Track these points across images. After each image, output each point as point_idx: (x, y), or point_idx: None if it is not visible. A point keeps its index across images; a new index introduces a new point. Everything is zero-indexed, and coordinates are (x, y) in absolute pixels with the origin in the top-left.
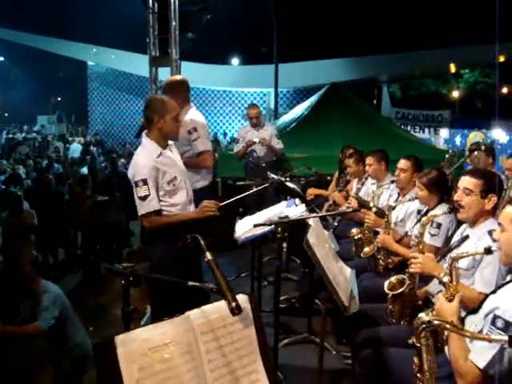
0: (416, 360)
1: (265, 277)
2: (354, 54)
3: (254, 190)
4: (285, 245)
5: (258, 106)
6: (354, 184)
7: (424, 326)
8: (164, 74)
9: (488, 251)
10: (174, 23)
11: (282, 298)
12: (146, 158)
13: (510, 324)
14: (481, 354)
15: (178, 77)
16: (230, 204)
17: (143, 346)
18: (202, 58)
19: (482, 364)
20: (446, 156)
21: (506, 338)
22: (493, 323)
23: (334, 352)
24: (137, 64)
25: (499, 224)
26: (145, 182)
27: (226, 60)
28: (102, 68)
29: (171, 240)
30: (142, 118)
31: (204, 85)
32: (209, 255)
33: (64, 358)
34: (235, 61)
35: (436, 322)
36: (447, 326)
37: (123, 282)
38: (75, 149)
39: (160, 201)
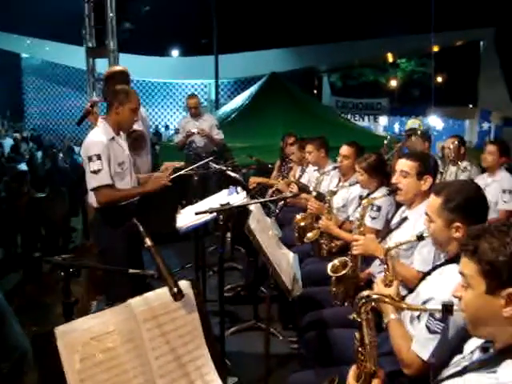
0: (357, 335)
1: (209, 267)
2: (293, 44)
3: (202, 162)
4: (229, 234)
5: (196, 95)
6: (298, 171)
7: (363, 300)
8: (102, 67)
9: (420, 238)
10: (110, 14)
11: (227, 287)
12: (101, 136)
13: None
14: (424, 346)
15: (117, 67)
16: (173, 194)
17: (84, 336)
18: (141, 50)
19: (425, 355)
20: (385, 142)
21: (439, 307)
22: (431, 314)
23: (281, 337)
24: (73, 56)
25: (426, 214)
26: (98, 156)
27: (165, 52)
28: (37, 60)
29: (118, 226)
30: (87, 105)
31: (144, 77)
32: (148, 241)
33: (1, 360)
34: (175, 52)
35: (375, 296)
36: (386, 299)
37: (62, 273)
38: (9, 145)
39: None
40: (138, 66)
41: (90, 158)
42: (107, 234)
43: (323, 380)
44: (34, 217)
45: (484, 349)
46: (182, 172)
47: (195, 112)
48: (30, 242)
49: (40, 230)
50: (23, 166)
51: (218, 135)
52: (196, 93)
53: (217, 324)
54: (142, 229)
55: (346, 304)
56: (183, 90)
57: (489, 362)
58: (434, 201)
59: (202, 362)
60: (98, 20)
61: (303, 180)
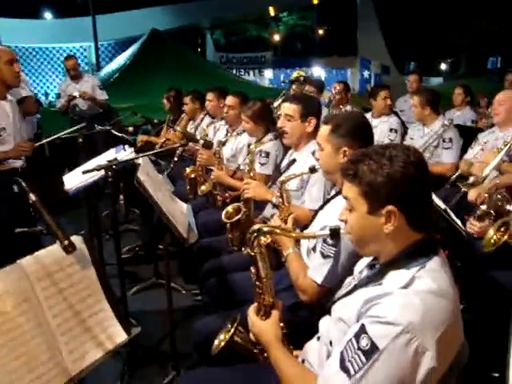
0: (253, 269)
1: (106, 231)
2: (174, 1)
3: (79, 126)
4: (122, 197)
5: (73, 56)
6: (189, 125)
7: (255, 234)
8: None
9: (312, 170)
10: None
11: (125, 248)
12: None
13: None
14: (317, 270)
15: None
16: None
17: None
18: (10, 12)
19: (319, 279)
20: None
21: (327, 232)
22: (324, 240)
23: (184, 292)
24: None
25: (318, 144)
26: None
27: (37, 14)
28: None
29: None
30: None
31: (16, 42)
32: (33, 196)
33: None
34: (48, 15)
35: (265, 229)
36: (276, 230)
37: None
38: None
39: None
40: (7, 30)
41: None
42: None
43: (226, 321)
44: None
45: (371, 266)
46: (47, 140)
47: (75, 74)
48: None
49: None
50: None
51: (102, 96)
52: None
53: (118, 285)
54: (24, 184)
55: (243, 249)
56: (61, 55)
57: (375, 276)
58: (324, 129)
59: (103, 316)
60: None
61: (198, 133)
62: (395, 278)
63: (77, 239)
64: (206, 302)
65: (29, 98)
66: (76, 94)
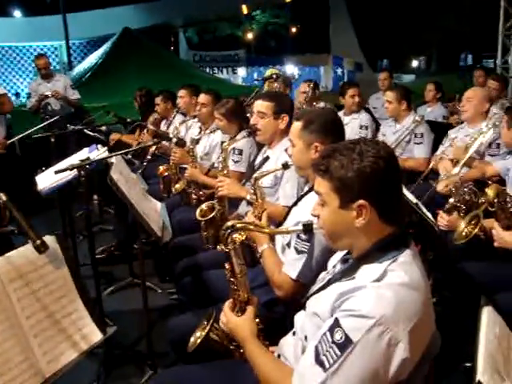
0: (227, 265)
1: (80, 231)
2: (146, 0)
3: (46, 123)
4: (95, 197)
5: (44, 55)
6: (162, 124)
7: (229, 230)
8: None
9: (285, 166)
10: None
11: (100, 248)
12: None
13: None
14: (292, 265)
15: None
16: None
17: None
18: None
19: (294, 274)
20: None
21: (300, 227)
22: (297, 236)
23: (160, 291)
24: None
25: (290, 140)
26: None
27: (6, 12)
28: None
29: None
30: None
31: None
32: (2, 196)
33: None
34: (17, 13)
35: (239, 225)
36: (250, 226)
37: None
38: None
39: None
40: None
41: None
42: None
43: (201, 319)
44: None
45: (344, 260)
46: (17, 138)
47: (46, 73)
48: None
49: None
50: None
51: (74, 95)
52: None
53: (93, 286)
54: None
55: (218, 247)
56: (32, 54)
57: (348, 271)
58: (295, 125)
59: (78, 316)
60: None
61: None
62: (368, 271)
63: (49, 239)
64: (181, 301)
65: (3, 95)
66: (48, 93)
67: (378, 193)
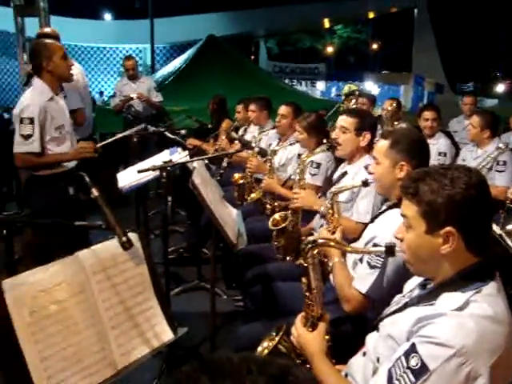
0: (304, 279)
1: (151, 230)
2: (230, 8)
3: (133, 129)
4: (170, 198)
5: (133, 57)
6: (241, 131)
7: (310, 245)
8: (32, 31)
9: (365, 183)
10: None
11: (170, 249)
12: (37, 98)
13: None
14: (363, 280)
15: (47, 29)
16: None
17: (33, 288)
18: (73, 13)
19: (364, 289)
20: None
21: (382, 248)
22: None
23: (225, 296)
24: None
25: (374, 158)
26: (31, 120)
27: (98, 15)
28: None
29: (52, 191)
30: (28, 67)
31: (76, 41)
32: (95, 191)
33: None
34: (108, 16)
35: (321, 241)
36: (331, 243)
37: (4, 231)
38: None
39: (43, 147)
40: (69, 30)
41: (21, 120)
42: (40, 199)
43: (270, 330)
44: None
45: (423, 286)
46: (108, 141)
47: (132, 74)
48: None
49: None
50: None
51: (157, 98)
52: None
53: (162, 285)
54: (87, 179)
55: (288, 258)
56: (117, 56)
57: (427, 296)
58: (382, 143)
59: (152, 314)
60: None
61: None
62: (449, 299)
63: (132, 236)
64: (248, 309)
65: (80, 109)
66: (133, 95)
67: (467, 221)
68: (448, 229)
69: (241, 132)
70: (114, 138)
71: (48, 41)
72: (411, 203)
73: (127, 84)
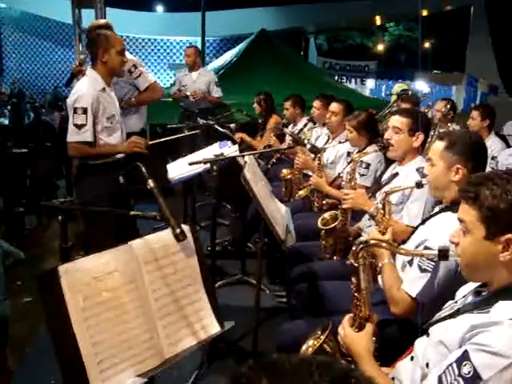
0: (354, 280)
1: (197, 222)
2: (281, 3)
3: (186, 133)
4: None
5: (195, 46)
6: (290, 127)
7: (362, 245)
8: (86, 22)
9: (419, 185)
10: None
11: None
12: (91, 88)
13: None
14: (413, 283)
15: (101, 21)
16: (161, 151)
17: (87, 275)
18: (125, 4)
19: (414, 292)
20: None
21: (435, 252)
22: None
23: (268, 291)
24: (55, 8)
25: (429, 159)
26: (85, 110)
27: (150, 7)
28: (16, 12)
29: (102, 181)
30: (74, 64)
31: (128, 32)
32: (151, 183)
33: None
34: (160, 8)
35: (372, 241)
36: (383, 244)
37: (60, 217)
38: None
39: (95, 136)
40: (121, 21)
41: (75, 110)
42: (91, 187)
43: (315, 328)
44: (17, 172)
45: (477, 292)
46: (159, 141)
47: (191, 62)
48: (13, 198)
49: (23, 185)
50: (5, 121)
51: (217, 93)
52: (181, 50)
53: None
54: (144, 170)
55: (335, 258)
56: (168, 47)
57: (482, 303)
58: (438, 145)
59: (200, 306)
60: None
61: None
62: (506, 308)
63: (184, 228)
64: (293, 306)
65: (155, 83)
66: (188, 93)
67: None
68: (509, 236)
69: (290, 128)
70: (165, 139)
71: (110, 33)
72: (470, 208)
73: (187, 74)
